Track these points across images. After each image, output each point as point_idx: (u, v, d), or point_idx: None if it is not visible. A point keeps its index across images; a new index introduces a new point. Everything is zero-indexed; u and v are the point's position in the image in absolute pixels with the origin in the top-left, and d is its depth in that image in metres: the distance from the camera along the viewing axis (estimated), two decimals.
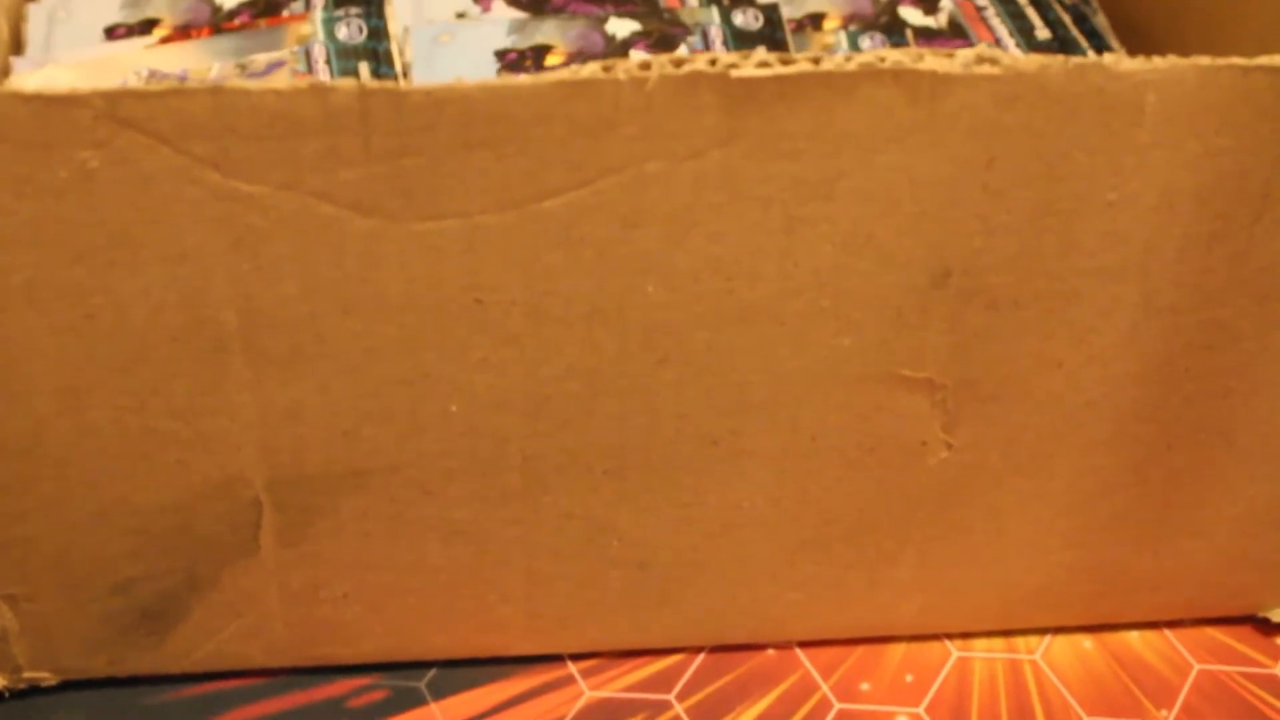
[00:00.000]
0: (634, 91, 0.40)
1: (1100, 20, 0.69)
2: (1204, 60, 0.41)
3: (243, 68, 0.60)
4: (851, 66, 0.40)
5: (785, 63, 0.40)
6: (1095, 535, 0.52)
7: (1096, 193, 0.43)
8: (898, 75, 0.40)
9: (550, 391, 0.46)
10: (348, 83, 0.39)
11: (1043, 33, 0.64)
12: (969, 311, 0.45)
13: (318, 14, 0.62)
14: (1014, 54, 0.41)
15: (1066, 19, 0.65)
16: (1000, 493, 0.50)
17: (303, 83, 0.39)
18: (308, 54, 0.60)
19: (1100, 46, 0.66)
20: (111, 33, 0.63)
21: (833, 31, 0.64)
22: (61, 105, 0.38)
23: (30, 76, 0.60)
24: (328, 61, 0.60)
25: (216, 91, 0.39)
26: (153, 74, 0.60)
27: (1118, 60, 0.41)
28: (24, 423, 0.44)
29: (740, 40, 0.61)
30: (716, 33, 0.61)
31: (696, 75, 0.40)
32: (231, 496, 0.47)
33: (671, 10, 0.63)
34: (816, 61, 0.40)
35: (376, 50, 0.61)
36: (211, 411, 0.45)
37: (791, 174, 0.42)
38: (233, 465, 0.46)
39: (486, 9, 0.64)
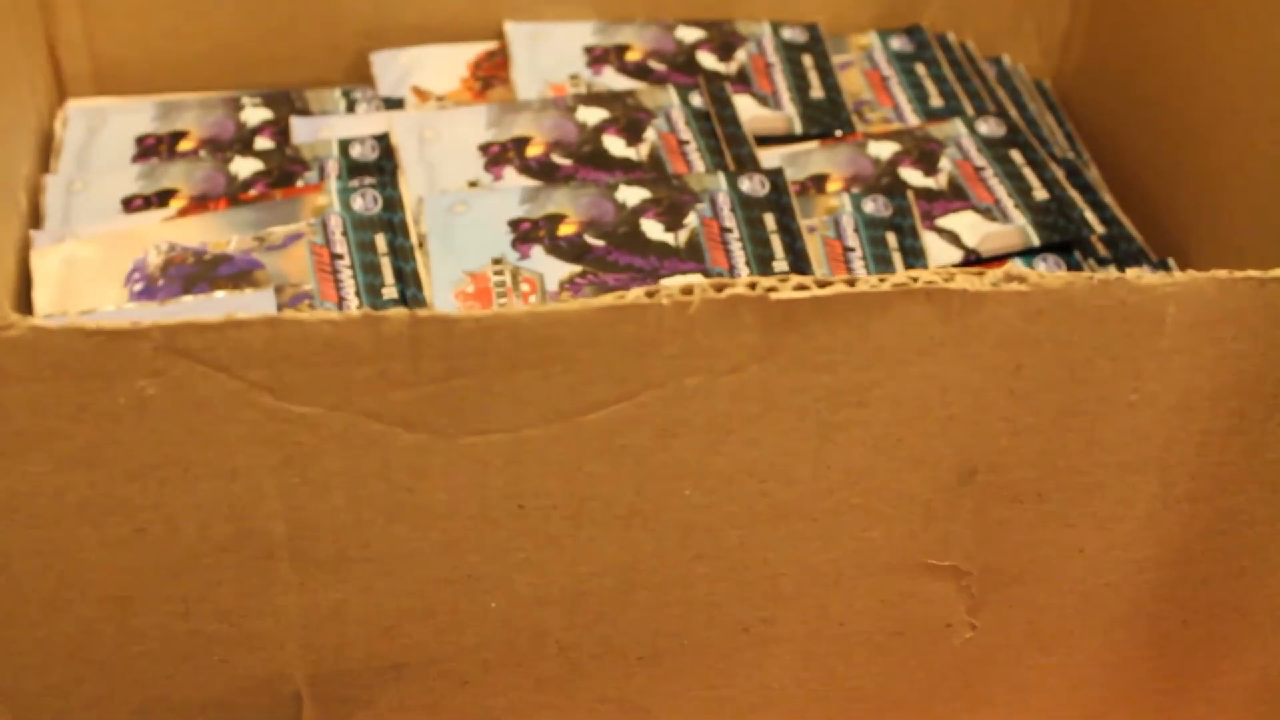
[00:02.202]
0: (677, 314, 0.41)
1: (1093, 174, 0.71)
2: (1221, 273, 0.43)
3: (261, 240, 0.61)
4: (885, 287, 0.41)
5: (822, 285, 0.41)
6: (1113, 705, 0.53)
7: (1119, 395, 0.44)
8: (929, 294, 0.42)
9: (588, 587, 0.47)
10: (399, 312, 0.40)
11: (1040, 193, 0.66)
12: (994, 504, 0.46)
13: (332, 184, 0.63)
14: (1040, 271, 0.42)
15: (1060, 175, 0.67)
16: (1022, 669, 0.51)
17: (356, 313, 0.40)
18: (324, 225, 0.61)
19: (1094, 201, 0.67)
20: (129, 204, 0.64)
21: (835, 194, 0.65)
22: (122, 338, 0.39)
23: (51, 252, 0.61)
24: (344, 233, 0.61)
25: (273, 322, 0.40)
26: (172, 247, 0.61)
27: (1139, 275, 0.42)
28: (72, 629, 0.45)
29: (747, 206, 0.63)
30: (724, 199, 0.63)
31: (737, 299, 0.41)
32: (272, 691, 0.48)
33: (680, 177, 0.64)
34: (852, 283, 0.41)
35: (392, 221, 0.62)
36: (256, 614, 0.46)
37: (826, 385, 0.43)
38: (275, 662, 0.47)
39: (498, 177, 0.65)
